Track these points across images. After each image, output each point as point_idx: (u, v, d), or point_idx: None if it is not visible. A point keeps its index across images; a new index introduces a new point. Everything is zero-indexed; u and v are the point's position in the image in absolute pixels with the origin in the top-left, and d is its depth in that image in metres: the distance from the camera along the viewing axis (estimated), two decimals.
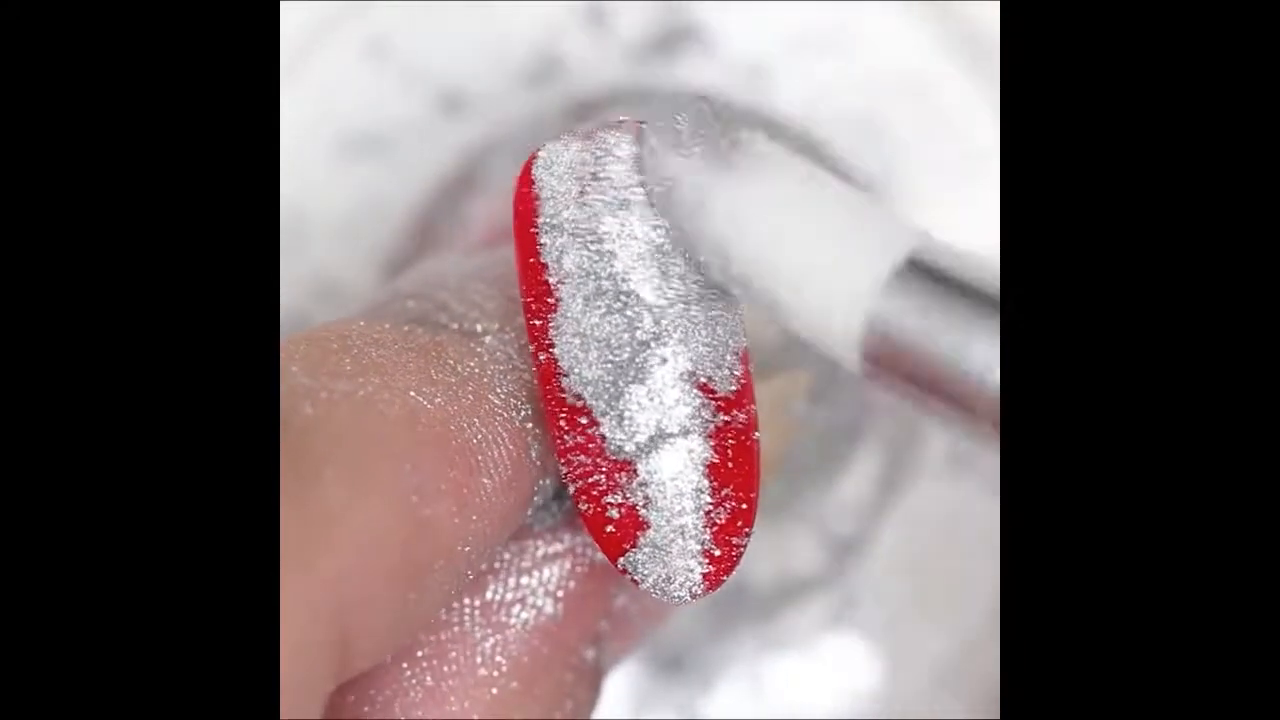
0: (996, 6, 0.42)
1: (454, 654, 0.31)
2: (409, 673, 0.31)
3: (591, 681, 0.32)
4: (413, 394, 0.29)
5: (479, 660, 0.31)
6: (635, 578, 0.30)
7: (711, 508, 0.30)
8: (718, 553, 0.30)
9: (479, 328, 0.31)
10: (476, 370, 0.30)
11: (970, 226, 0.42)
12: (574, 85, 0.43)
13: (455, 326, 0.31)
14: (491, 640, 0.31)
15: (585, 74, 0.43)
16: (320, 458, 0.27)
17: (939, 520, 0.43)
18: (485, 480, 0.29)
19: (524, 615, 0.31)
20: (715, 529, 0.30)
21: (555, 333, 0.29)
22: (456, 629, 0.31)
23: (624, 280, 0.29)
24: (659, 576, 0.30)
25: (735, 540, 0.30)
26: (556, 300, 0.29)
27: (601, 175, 0.29)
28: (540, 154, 0.29)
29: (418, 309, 0.31)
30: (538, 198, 0.29)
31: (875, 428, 0.43)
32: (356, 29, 0.43)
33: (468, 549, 0.29)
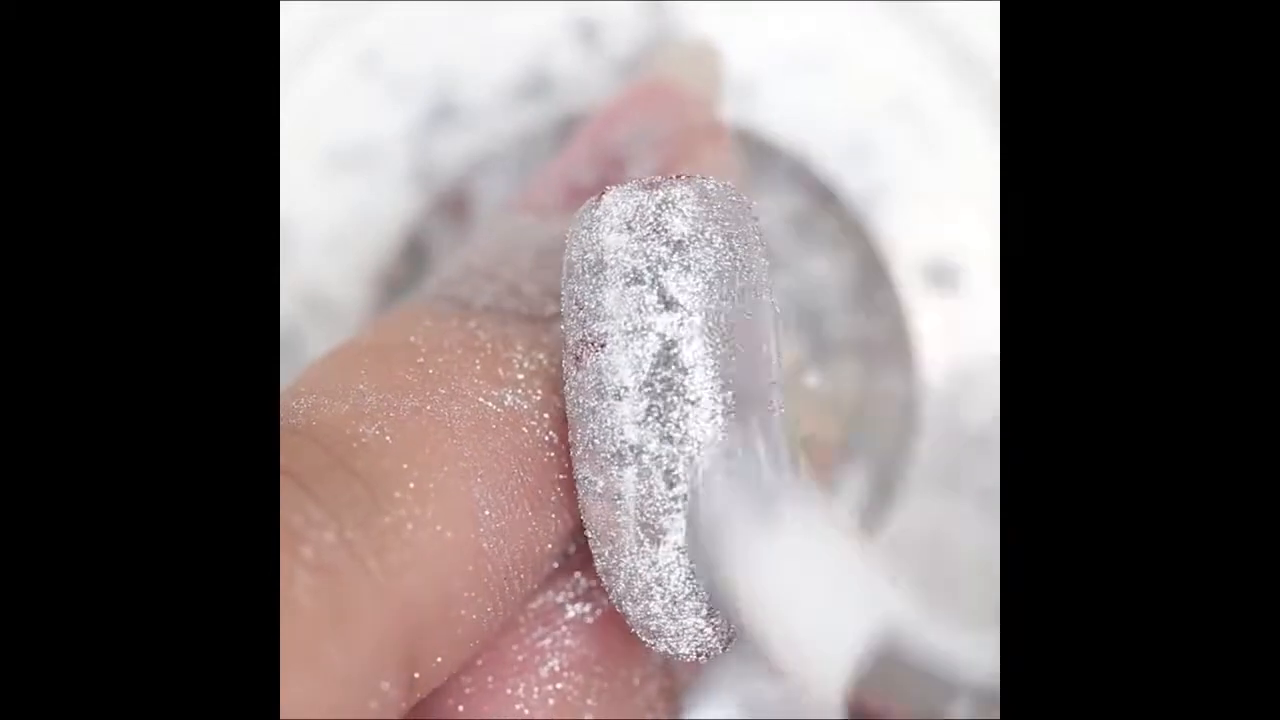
0: (988, 24, 0.42)
1: (513, 648, 0.30)
2: (466, 672, 0.30)
3: (663, 686, 0.32)
4: (480, 399, 0.29)
5: (537, 658, 0.30)
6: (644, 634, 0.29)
7: None
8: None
9: (549, 310, 0.31)
10: (545, 362, 0.30)
11: (960, 246, 0.43)
12: (565, 101, 0.43)
13: (525, 311, 0.31)
14: (549, 638, 0.31)
15: (576, 90, 0.43)
16: (390, 481, 0.27)
17: (927, 539, 0.43)
18: (560, 475, 0.29)
19: (581, 609, 0.31)
20: None
21: None
22: (511, 628, 0.31)
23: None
24: (671, 633, 0.29)
25: None
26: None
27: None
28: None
29: (491, 292, 0.31)
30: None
31: (862, 447, 0.43)
32: (347, 42, 0.43)
33: (550, 546, 0.29)
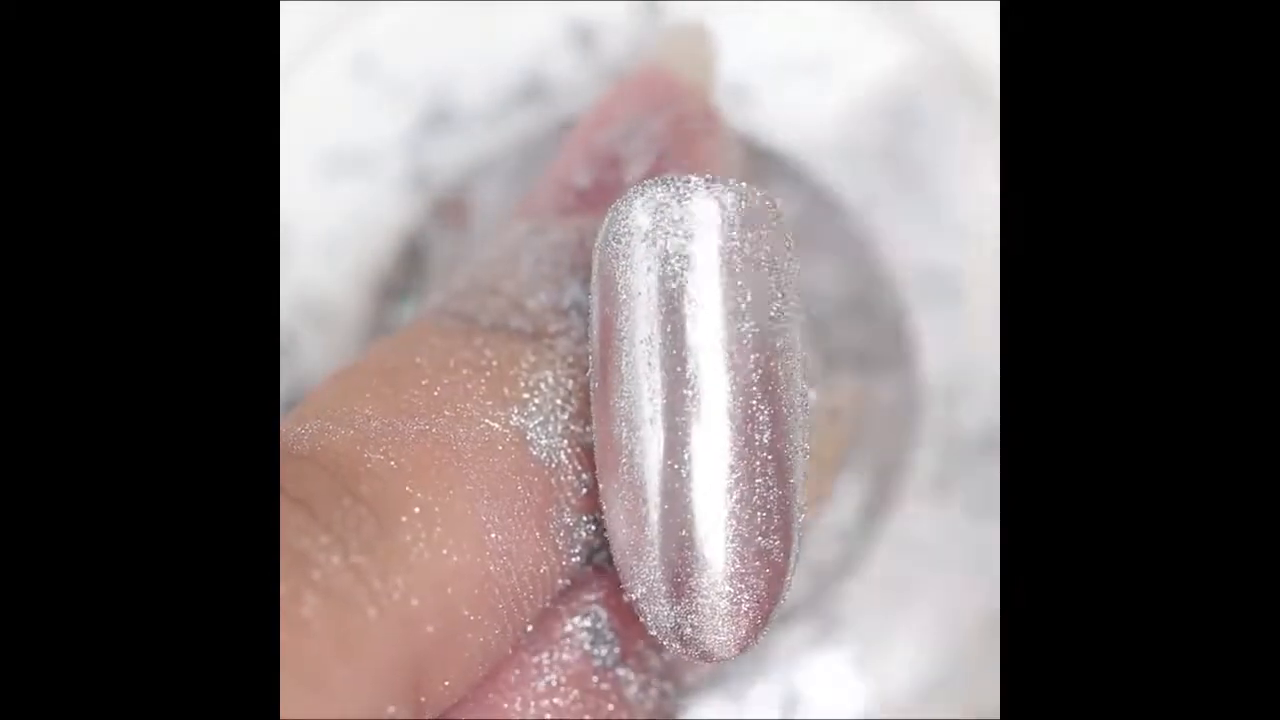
0: (988, 27, 0.42)
1: (510, 667, 0.30)
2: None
3: (663, 697, 0.32)
4: (486, 420, 0.29)
5: (534, 673, 0.30)
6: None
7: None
8: (746, 612, 0.29)
9: (552, 327, 0.31)
10: (550, 379, 0.30)
11: (959, 252, 0.43)
12: (562, 105, 0.43)
13: (529, 328, 0.31)
14: (546, 653, 0.31)
15: (573, 94, 0.43)
16: (397, 504, 0.27)
17: (922, 544, 0.43)
18: (568, 494, 0.29)
19: (579, 623, 0.31)
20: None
21: None
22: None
23: None
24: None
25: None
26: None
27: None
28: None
29: (496, 309, 0.31)
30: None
31: (859, 453, 0.43)
32: (343, 46, 0.43)
33: (558, 566, 0.29)
